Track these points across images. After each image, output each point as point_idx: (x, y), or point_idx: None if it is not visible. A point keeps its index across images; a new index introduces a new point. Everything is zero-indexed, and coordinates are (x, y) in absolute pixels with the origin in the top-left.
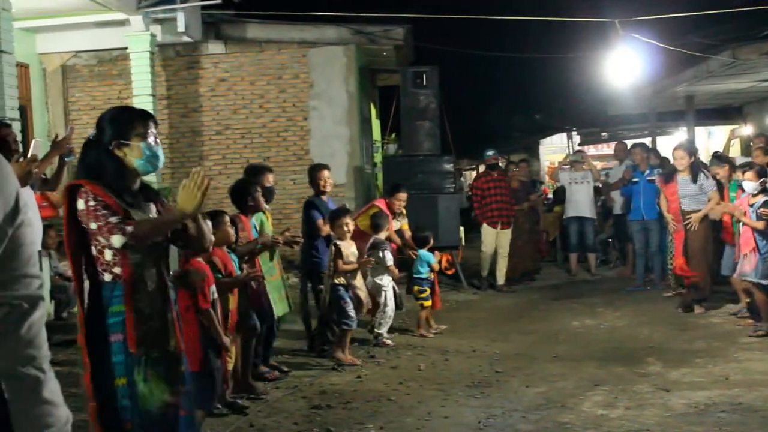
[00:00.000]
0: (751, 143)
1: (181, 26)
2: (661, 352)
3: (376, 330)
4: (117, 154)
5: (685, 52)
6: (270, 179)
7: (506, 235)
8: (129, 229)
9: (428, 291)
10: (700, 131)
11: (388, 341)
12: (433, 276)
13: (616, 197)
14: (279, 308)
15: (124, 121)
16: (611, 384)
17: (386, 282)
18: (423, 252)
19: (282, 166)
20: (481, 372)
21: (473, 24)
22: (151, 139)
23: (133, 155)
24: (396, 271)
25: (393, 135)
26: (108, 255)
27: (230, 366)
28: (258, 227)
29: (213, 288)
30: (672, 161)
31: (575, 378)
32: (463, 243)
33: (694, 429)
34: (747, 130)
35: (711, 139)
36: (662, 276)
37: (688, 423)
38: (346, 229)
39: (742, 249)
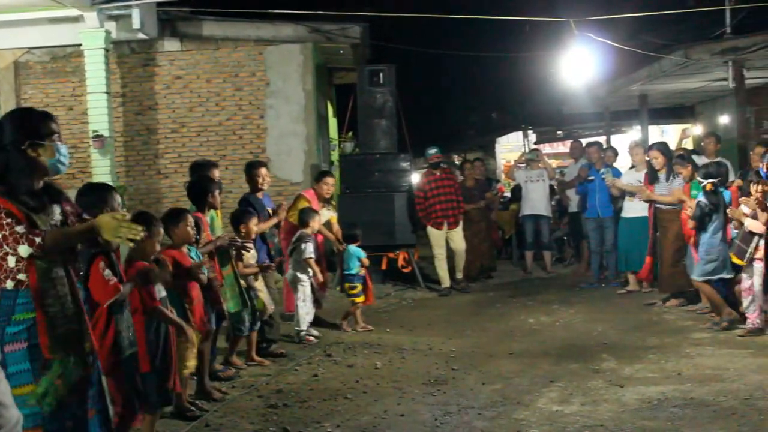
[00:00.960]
0: (702, 142)
1: (136, 23)
2: (615, 348)
3: (296, 327)
4: (30, 155)
5: (639, 52)
6: (216, 174)
7: (457, 234)
8: (38, 240)
9: (359, 287)
10: (654, 130)
11: (312, 337)
12: (363, 272)
13: (572, 195)
14: (231, 304)
15: (36, 122)
16: (566, 380)
17: (305, 278)
18: (352, 248)
19: (238, 164)
20: (438, 370)
21: (431, 23)
22: (60, 140)
23: (46, 155)
24: (313, 264)
25: (350, 133)
26: (11, 261)
27: (191, 365)
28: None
29: (160, 286)
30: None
31: (531, 375)
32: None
33: (647, 424)
34: (698, 129)
35: (664, 137)
36: (616, 273)
37: (641, 418)
38: (243, 232)
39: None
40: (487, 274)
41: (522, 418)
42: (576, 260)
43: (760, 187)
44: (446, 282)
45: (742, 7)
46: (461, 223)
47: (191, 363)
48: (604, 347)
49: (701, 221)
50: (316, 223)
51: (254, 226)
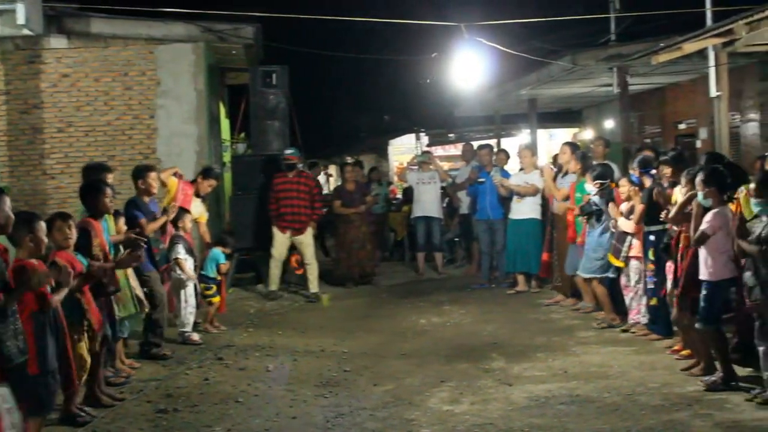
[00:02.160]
0: (591, 145)
1: (20, 18)
2: (504, 347)
3: (180, 328)
4: None
5: (528, 57)
6: (108, 178)
7: (304, 241)
8: None
9: (214, 288)
10: (542, 133)
11: (195, 337)
12: (220, 278)
13: (463, 197)
14: (123, 308)
15: None
16: (457, 380)
17: (187, 279)
18: (215, 251)
19: (128, 165)
20: (330, 371)
21: (325, 24)
22: None
23: None
24: (186, 266)
25: (242, 134)
26: None
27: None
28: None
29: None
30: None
31: (422, 375)
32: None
33: (535, 421)
34: (588, 133)
35: (552, 140)
36: (505, 274)
37: (529, 416)
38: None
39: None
40: (368, 279)
41: (413, 418)
42: (467, 261)
43: (631, 187)
44: (275, 285)
45: (626, 15)
46: (310, 230)
47: (88, 364)
48: (493, 347)
49: (589, 216)
50: (187, 223)
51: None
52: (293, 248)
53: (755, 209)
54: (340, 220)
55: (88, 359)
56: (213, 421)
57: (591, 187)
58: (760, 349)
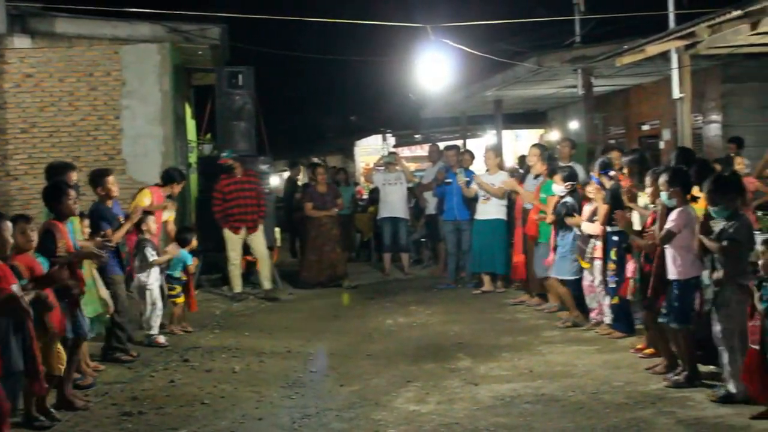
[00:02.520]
0: (558, 146)
1: None
2: (470, 347)
3: (146, 331)
4: None
5: (494, 59)
6: (73, 177)
7: (258, 238)
8: None
9: (179, 289)
10: (508, 134)
11: (161, 340)
12: (186, 278)
13: (429, 198)
14: (89, 309)
15: None
16: (423, 380)
17: (152, 281)
18: (182, 252)
19: (93, 165)
20: (296, 372)
21: (291, 26)
22: None
23: None
24: (162, 260)
25: (208, 135)
26: None
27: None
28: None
29: (15, 288)
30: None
31: (388, 375)
32: (279, 244)
33: (501, 420)
34: (554, 135)
35: (518, 141)
36: (472, 274)
37: (495, 415)
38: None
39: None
40: (339, 282)
41: (380, 419)
42: (433, 262)
43: (594, 188)
44: (238, 287)
45: (590, 18)
46: (261, 227)
47: (59, 366)
48: (459, 347)
49: (561, 219)
50: (151, 225)
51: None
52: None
53: (714, 214)
54: (312, 222)
55: (62, 362)
56: (179, 424)
57: (561, 188)
58: (720, 348)
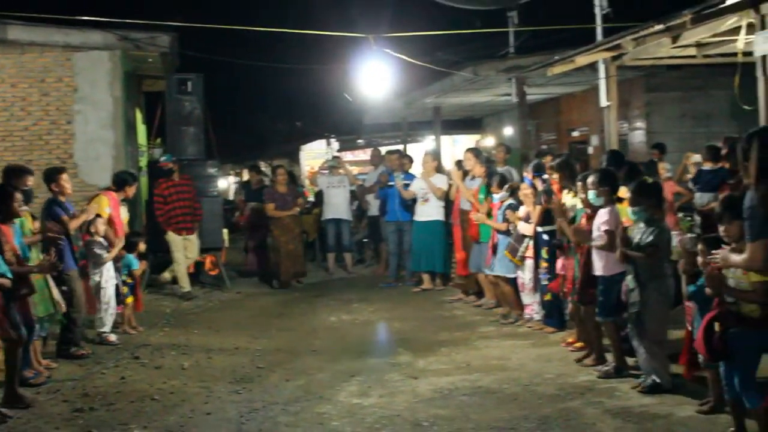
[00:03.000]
0: (493, 151)
1: None
2: (410, 343)
3: (98, 329)
4: None
5: (433, 68)
6: (29, 181)
7: (192, 241)
8: None
9: (126, 290)
10: (446, 139)
11: (113, 338)
12: (131, 281)
13: (371, 200)
14: (40, 308)
15: None
16: (365, 374)
17: (105, 279)
18: (128, 256)
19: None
20: (244, 368)
21: (240, 34)
22: None
23: None
24: (110, 255)
25: (158, 140)
26: None
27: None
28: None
29: None
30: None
31: (332, 370)
32: (227, 245)
33: (440, 412)
34: (489, 140)
35: (456, 146)
36: (412, 273)
37: (434, 407)
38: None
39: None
40: (299, 279)
41: (324, 412)
42: (375, 261)
43: (529, 191)
44: (186, 286)
45: (524, 30)
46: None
47: None
48: (400, 342)
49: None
50: (99, 227)
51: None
52: (208, 250)
53: (632, 217)
54: (275, 223)
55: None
56: (129, 419)
57: (500, 194)
58: (635, 344)
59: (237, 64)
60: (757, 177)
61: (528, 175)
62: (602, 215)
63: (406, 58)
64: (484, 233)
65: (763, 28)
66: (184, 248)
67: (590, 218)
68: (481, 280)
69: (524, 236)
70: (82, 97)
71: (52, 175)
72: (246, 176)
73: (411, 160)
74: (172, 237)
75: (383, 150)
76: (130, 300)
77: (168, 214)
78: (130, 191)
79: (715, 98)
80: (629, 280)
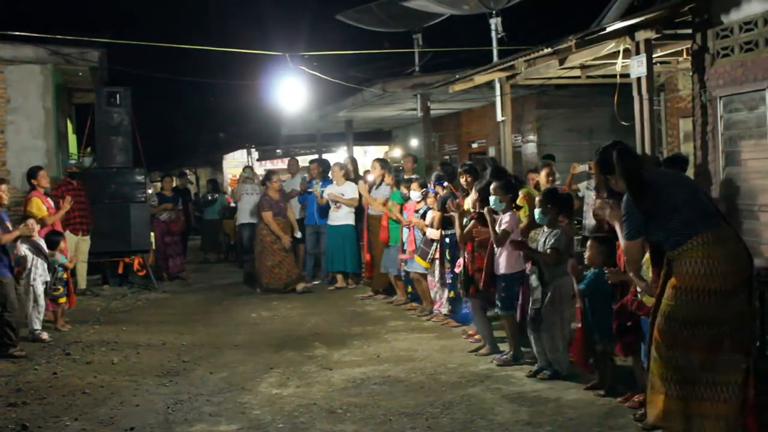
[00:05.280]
0: (402, 161)
1: None
2: (326, 337)
3: (30, 327)
4: None
5: (345, 84)
6: None
7: (86, 242)
8: None
9: (61, 289)
10: (358, 150)
11: (45, 335)
12: (66, 276)
13: (294, 204)
14: None
15: None
16: (284, 366)
17: (33, 277)
18: (57, 254)
19: None
20: (170, 362)
21: (167, 50)
22: None
23: None
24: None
25: (89, 149)
26: None
27: None
28: None
29: None
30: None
31: (253, 363)
32: (154, 247)
33: (353, 400)
34: (397, 151)
35: (366, 156)
36: (326, 273)
37: (347, 395)
38: None
39: (408, 246)
40: (293, 287)
41: (246, 402)
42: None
43: (431, 200)
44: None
45: (427, 50)
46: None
47: None
48: (316, 336)
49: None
50: (30, 226)
51: None
52: (136, 252)
53: (538, 219)
54: (267, 230)
55: None
56: (61, 412)
57: (418, 194)
58: (532, 336)
59: (164, 78)
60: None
61: (430, 184)
62: (505, 218)
63: (321, 75)
64: (393, 237)
65: (637, 53)
66: (79, 247)
67: (477, 220)
68: (392, 279)
69: (432, 240)
70: (15, 108)
71: None
72: (174, 183)
73: (327, 169)
74: (68, 236)
75: (300, 159)
76: (63, 300)
77: (66, 215)
78: (43, 180)
79: (597, 114)
80: (533, 280)
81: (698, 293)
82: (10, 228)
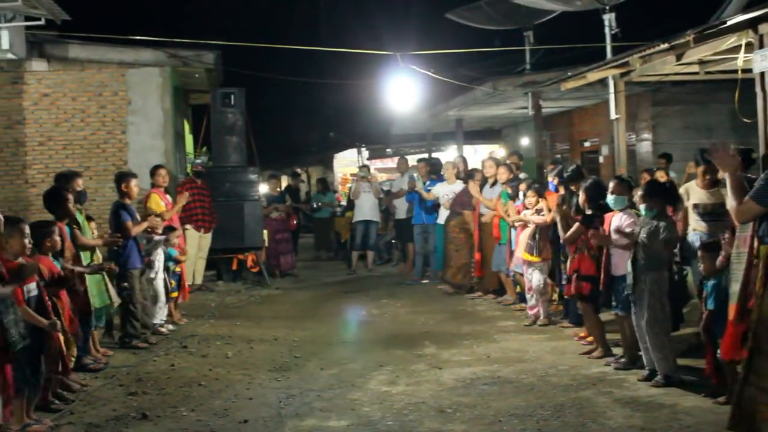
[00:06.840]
0: (508, 159)
1: (5, 44)
2: (435, 336)
3: (150, 320)
4: None
5: (456, 83)
6: (80, 183)
7: (207, 239)
8: None
9: (173, 284)
10: (468, 149)
11: (163, 329)
12: (179, 270)
13: (398, 204)
14: (97, 300)
15: None
16: (393, 364)
17: (155, 274)
18: (169, 249)
19: (102, 175)
20: (282, 357)
21: (277, 51)
22: None
23: None
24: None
25: (204, 148)
26: None
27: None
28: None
29: (30, 287)
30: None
31: (363, 360)
32: (266, 244)
33: (462, 400)
34: (501, 151)
35: (476, 155)
36: (436, 271)
37: (456, 395)
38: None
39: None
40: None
41: (356, 398)
42: (402, 261)
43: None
44: (199, 278)
45: (539, 48)
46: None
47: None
48: (425, 335)
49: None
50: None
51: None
52: (249, 249)
53: (644, 214)
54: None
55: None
56: (178, 402)
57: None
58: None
59: (276, 79)
60: None
61: (554, 180)
62: (628, 219)
63: (431, 74)
64: (504, 235)
65: (761, 47)
66: (200, 243)
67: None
68: (503, 278)
69: (534, 234)
70: (135, 110)
71: (123, 177)
72: (282, 183)
73: (436, 168)
74: (189, 232)
75: (410, 158)
76: (175, 295)
77: (190, 212)
78: (161, 178)
79: (716, 112)
80: (629, 277)
81: None
82: (139, 220)
